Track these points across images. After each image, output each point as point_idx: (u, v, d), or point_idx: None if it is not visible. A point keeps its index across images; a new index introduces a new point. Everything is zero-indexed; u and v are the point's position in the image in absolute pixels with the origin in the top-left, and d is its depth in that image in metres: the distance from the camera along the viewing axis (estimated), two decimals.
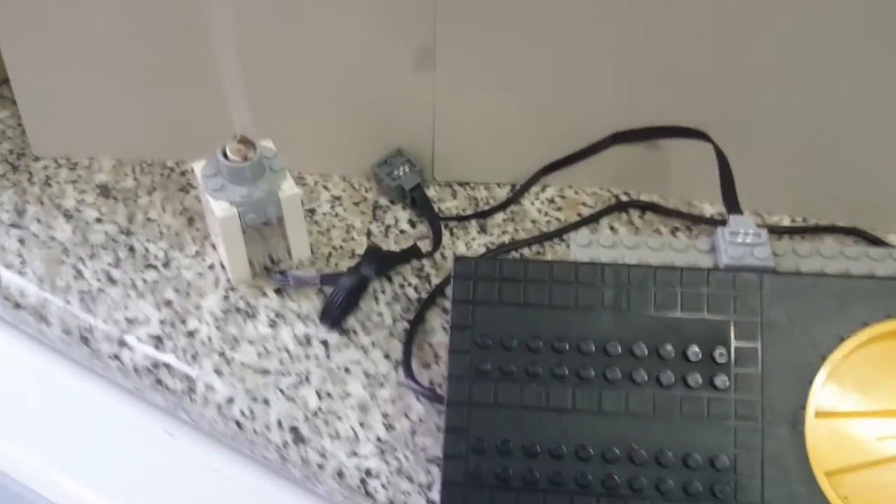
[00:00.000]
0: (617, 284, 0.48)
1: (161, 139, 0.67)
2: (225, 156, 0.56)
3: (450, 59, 0.60)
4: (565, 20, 0.57)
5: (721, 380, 0.47)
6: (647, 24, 0.57)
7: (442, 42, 0.59)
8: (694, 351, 0.47)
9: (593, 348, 0.47)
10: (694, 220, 0.64)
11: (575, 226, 0.63)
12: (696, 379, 0.47)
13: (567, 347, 0.47)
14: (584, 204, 0.66)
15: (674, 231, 0.64)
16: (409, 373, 0.55)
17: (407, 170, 0.65)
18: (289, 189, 0.58)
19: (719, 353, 0.47)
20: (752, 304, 0.47)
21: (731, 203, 0.54)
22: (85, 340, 0.59)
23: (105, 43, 0.62)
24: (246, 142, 0.56)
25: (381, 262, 0.57)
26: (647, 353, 0.47)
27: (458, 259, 0.48)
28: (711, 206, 0.65)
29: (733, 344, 0.47)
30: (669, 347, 0.47)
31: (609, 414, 0.46)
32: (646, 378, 0.47)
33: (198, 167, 0.58)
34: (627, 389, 0.47)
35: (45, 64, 0.63)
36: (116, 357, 0.58)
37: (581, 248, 0.51)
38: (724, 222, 0.62)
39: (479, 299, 0.48)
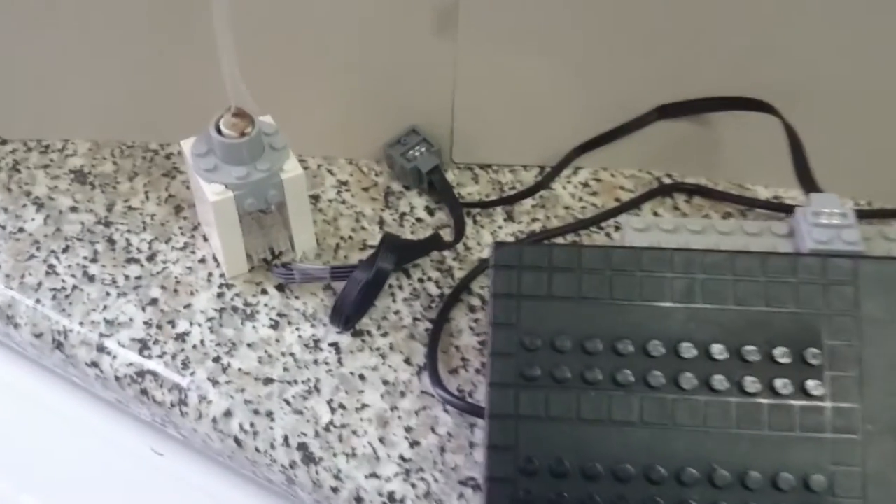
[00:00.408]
0: (689, 274, 0.40)
1: (143, 119, 0.60)
2: (219, 131, 0.49)
3: (475, 21, 0.52)
4: None
5: (814, 385, 0.39)
6: None
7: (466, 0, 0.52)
8: (782, 352, 0.40)
9: (663, 350, 0.40)
10: (748, 205, 0.56)
11: (614, 212, 0.56)
12: (784, 385, 0.39)
13: (631, 349, 0.40)
14: (622, 188, 0.58)
15: (726, 217, 0.57)
16: (437, 380, 0.47)
17: (423, 150, 0.57)
18: (292, 169, 0.50)
19: (811, 354, 0.40)
20: (847, 294, 0.40)
21: (808, 180, 0.47)
22: (58, 345, 0.51)
23: (79, 11, 0.54)
24: (242, 115, 0.49)
25: (399, 254, 0.49)
26: (727, 355, 0.40)
27: (500, 245, 0.41)
28: (766, 189, 0.58)
29: (826, 343, 0.40)
30: (753, 348, 0.40)
31: (683, 428, 0.39)
32: (726, 385, 0.39)
33: (186, 145, 0.51)
34: (704, 398, 0.39)
35: (13, 36, 0.56)
36: (95, 364, 0.50)
37: (637, 232, 0.43)
38: (781, 206, 0.56)
39: (525, 293, 0.40)
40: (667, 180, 0.59)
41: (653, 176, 0.59)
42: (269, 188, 0.50)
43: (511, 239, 0.56)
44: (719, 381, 0.39)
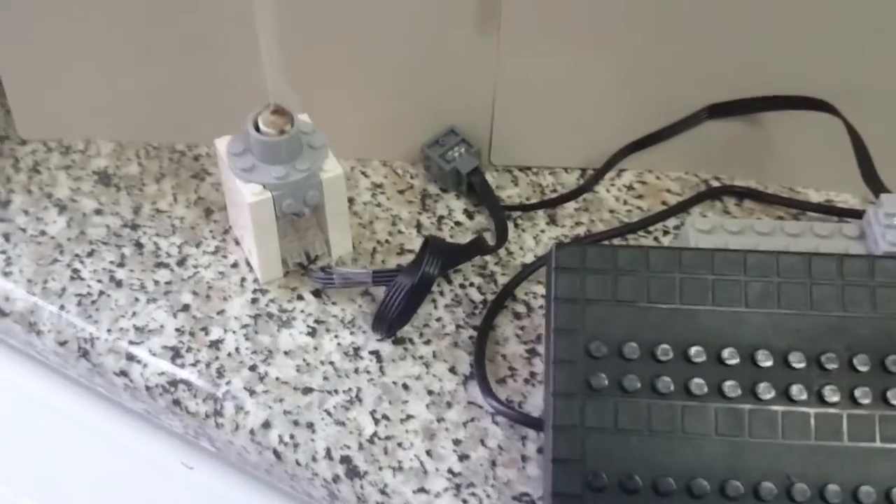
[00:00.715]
0: (764, 277, 0.38)
1: (169, 119, 0.57)
2: (257, 129, 0.46)
3: (518, 16, 0.50)
4: None
5: (895, 394, 0.37)
6: None
7: None
8: (862, 359, 0.37)
9: (738, 358, 0.37)
10: (802, 208, 0.54)
11: (663, 215, 0.54)
12: (865, 394, 0.37)
13: (704, 357, 0.37)
14: (668, 191, 0.56)
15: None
16: (488, 389, 0.45)
17: (463, 151, 0.55)
18: (332, 169, 0.48)
19: (892, 361, 0.37)
20: None
21: (875, 182, 0.45)
22: (84, 354, 0.49)
23: (101, 5, 0.52)
24: (282, 112, 0.47)
25: (445, 258, 0.47)
26: (805, 363, 0.37)
27: (561, 246, 0.39)
28: (817, 193, 0.56)
29: None
30: (832, 355, 0.37)
31: (759, 440, 0.37)
32: (805, 395, 0.37)
33: (221, 144, 0.48)
34: (782, 409, 0.37)
35: (34, 31, 0.53)
36: (124, 373, 0.48)
37: (702, 234, 0.41)
38: (835, 210, 0.54)
39: (590, 297, 0.38)
40: (714, 183, 0.56)
41: (699, 178, 0.57)
42: (309, 189, 0.47)
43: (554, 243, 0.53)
44: (798, 390, 0.37)
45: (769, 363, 0.37)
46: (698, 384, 0.37)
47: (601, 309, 0.38)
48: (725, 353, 0.37)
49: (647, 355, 0.37)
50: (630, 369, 0.37)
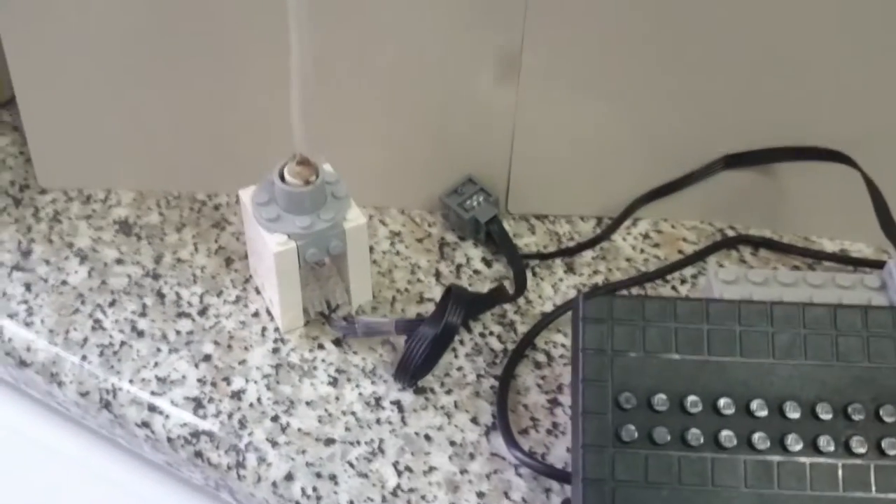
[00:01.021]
0: (790, 328, 0.38)
1: (189, 169, 0.58)
2: (282, 179, 0.47)
3: (537, 66, 0.51)
4: (675, 21, 0.49)
5: None
6: (767, 25, 0.48)
7: (530, 45, 0.50)
8: (888, 410, 0.38)
9: (767, 410, 0.37)
10: (817, 258, 0.55)
11: (680, 264, 0.54)
12: (892, 444, 0.37)
13: (733, 409, 0.37)
14: (684, 240, 0.57)
15: (794, 271, 0.55)
16: (512, 440, 0.45)
17: (481, 200, 0.56)
18: (355, 218, 0.48)
19: None
20: None
21: (893, 232, 0.45)
22: (106, 405, 0.49)
23: (125, 58, 0.53)
24: (307, 163, 0.47)
25: (468, 308, 0.47)
26: (832, 414, 0.37)
27: (589, 296, 0.39)
28: (831, 242, 0.56)
29: None
30: (858, 406, 0.38)
31: (789, 492, 0.37)
32: (833, 446, 0.37)
33: (246, 194, 0.49)
34: (810, 460, 0.37)
35: (57, 83, 0.54)
36: (146, 425, 0.48)
37: (726, 285, 0.42)
38: (851, 259, 0.54)
39: (618, 348, 0.38)
40: (730, 232, 0.57)
41: (715, 228, 0.57)
42: (332, 238, 0.48)
43: (573, 291, 0.54)
44: (825, 441, 0.37)
45: (797, 415, 0.38)
46: (728, 436, 0.37)
47: (629, 360, 0.38)
48: (754, 404, 0.37)
49: (677, 407, 0.37)
50: (660, 421, 0.37)
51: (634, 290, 0.54)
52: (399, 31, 0.50)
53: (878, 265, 0.52)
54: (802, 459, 0.37)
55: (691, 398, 0.37)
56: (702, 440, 0.37)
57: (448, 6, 0.49)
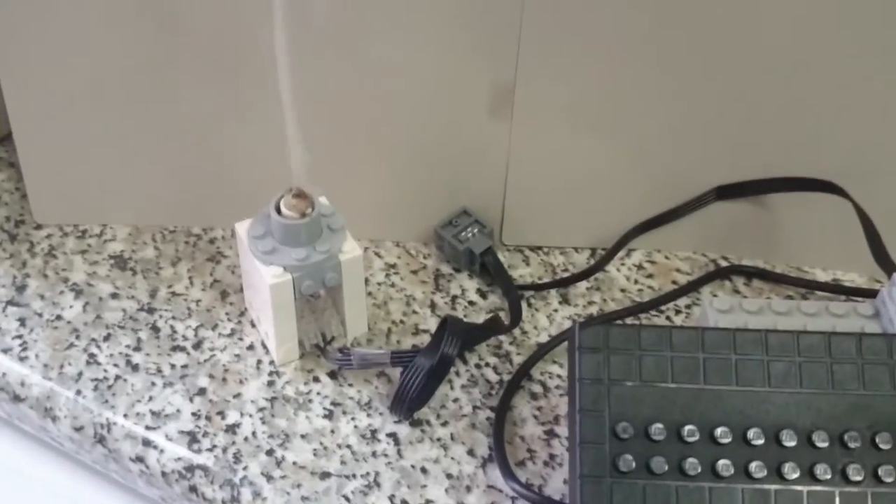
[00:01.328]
0: (785, 356, 0.38)
1: (184, 203, 0.58)
2: (278, 212, 0.47)
3: (531, 100, 0.52)
4: (668, 54, 0.50)
5: None
6: (758, 57, 0.49)
7: (523, 79, 0.51)
8: (884, 437, 0.38)
9: (763, 439, 0.37)
10: (809, 288, 0.55)
11: (674, 295, 0.54)
12: (888, 472, 0.37)
13: (730, 438, 0.37)
14: (678, 270, 0.57)
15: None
16: (509, 472, 0.45)
17: (476, 231, 0.56)
18: (351, 250, 0.49)
19: None
20: None
21: (886, 261, 0.46)
22: (101, 440, 0.49)
23: (121, 94, 0.53)
24: (303, 195, 0.47)
25: (464, 339, 0.47)
26: (828, 442, 0.38)
27: (584, 325, 0.39)
28: (824, 272, 0.57)
29: None
30: (855, 434, 0.38)
31: None
32: (829, 474, 0.37)
33: (242, 227, 0.49)
34: (807, 489, 0.37)
35: (53, 118, 0.54)
36: (140, 459, 0.48)
37: (721, 314, 0.42)
38: (843, 289, 0.54)
39: (614, 377, 0.38)
40: (723, 263, 0.57)
41: (708, 258, 0.58)
42: (328, 270, 0.48)
43: (567, 322, 0.54)
44: (822, 469, 0.37)
45: (793, 443, 0.38)
46: (725, 465, 0.37)
47: (626, 389, 0.38)
48: (751, 433, 0.37)
49: (674, 436, 0.37)
50: (657, 451, 0.37)
51: (629, 321, 0.54)
52: (394, 64, 0.51)
53: (871, 294, 0.53)
54: (799, 488, 0.37)
55: (688, 427, 0.37)
56: (699, 469, 0.37)
57: (442, 40, 0.50)
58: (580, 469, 0.37)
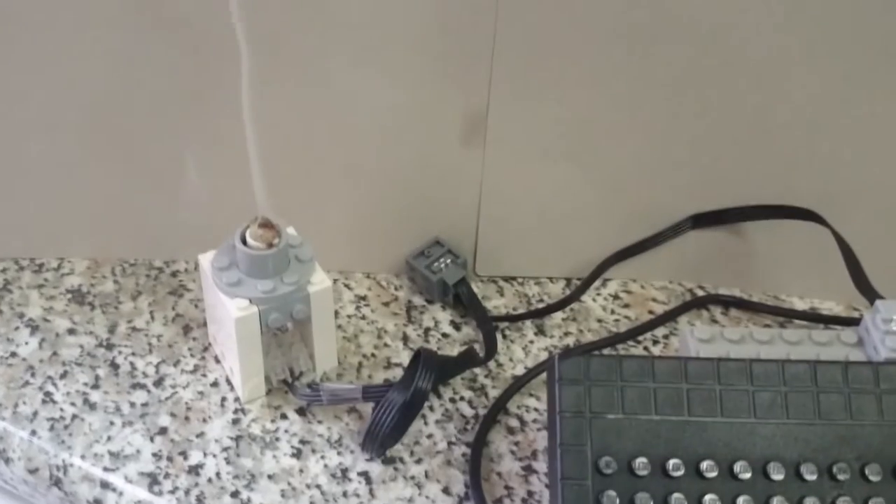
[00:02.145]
0: (770, 386, 0.37)
1: (145, 235, 0.56)
2: (244, 242, 0.45)
3: (504, 128, 0.51)
4: (641, 82, 0.49)
5: None
6: (732, 85, 0.49)
7: (496, 107, 0.50)
8: (874, 468, 0.37)
9: (750, 472, 0.36)
10: (788, 316, 0.54)
11: (651, 325, 0.53)
12: None
13: (717, 472, 0.36)
14: (654, 300, 0.56)
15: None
16: None
17: (449, 262, 0.54)
18: (320, 282, 0.47)
19: None
20: None
21: (867, 289, 0.45)
22: (57, 482, 0.46)
23: (78, 123, 0.51)
24: (269, 225, 0.46)
25: (438, 372, 0.46)
26: (817, 475, 0.36)
27: (564, 356, 0.38)
28: (801, 300, 0.56)
29: None
30: (843, 465, 0.36)
31: None
32: None
33: (205, 259, 0.47)
34: None
35: (7, 151, 0.52)
36: (98, 502, 0.45)
37: (702, 343, 0.41)
38: (821, 317, 0.54)
39: (595, 410, 0.37)
40: (699, 292, 0.56)
41: (684, 287, 0.57)
42: (296, 302, 0.46)
43: (544, 354, 0.52)
44: (812, 503, 0.36)
45: (781, 476, 0.36)
46: (712, 500, 0.36)
47: (608, 422, 0.37)
48: (737, 466, 0.36)
49: (659, 471, 0.36)
50: (642, 486, 0.36)
51: (607, 351, 0.53)
52: (364, 92, 0.50)
53: (850, 322, 0.52)
54: None
55: (673, 461, 0.36)
56: None
57: (414, 67, 0.49)
58: None
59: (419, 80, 0.49)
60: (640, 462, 0.36)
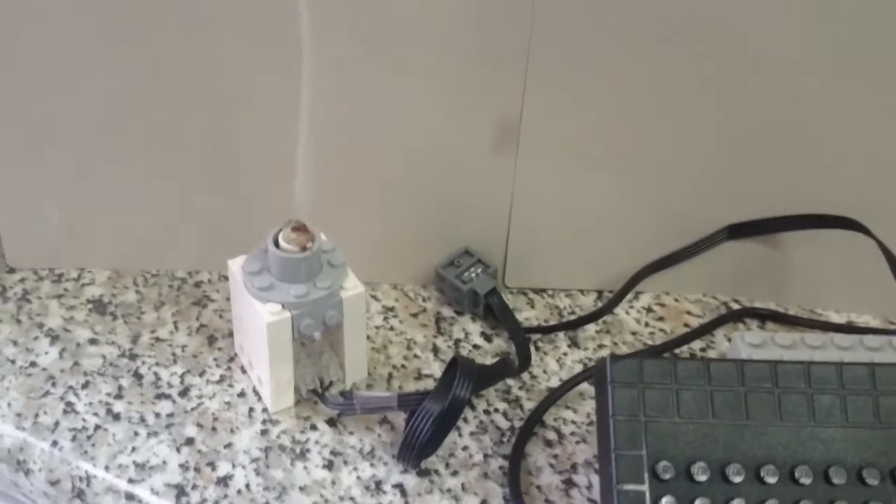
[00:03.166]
0: (828, 389, 0.36)
1: (168, 246, 0.55)
2: (277, 245, 0.44)
3: (537, 136, 0.50)
4: (677, 90, 0.48)
5: None
6: (770, 93, 0.48)
7: (529, 114, 0.49)
8: None
9: (812, 477, 0.35)
10: (825, 330, 0.53)
11: (687, 338, 0.52)
12: None
13: (777, 477, 0.35)
14: (688, 313, 0.55)
15: None
16: None
17: (479, 272, 0.53)
18: (353, 287, 0.46)
19: None
20: None
21: None
22: (79, 494, 0.44)
23: (101, 130, 0.50)
24: (303, 229, 0.45)
25: (475, 381, 0.44)
26: (879, 479, 0.35)
27: (616, 358, 0.37)
28: (837, 314, 0.55)
29: None
30: None
31: None
32: None
33: (235, 264, 0.46)
34: None
35: (29, 160, 0.51)
36: None
37: (753, 348, 0.40)
38: (858, 331, 0.53)
39: (651, 414, 0.36)
40: (734, 305, 0.55)
41: (719, 301, 0.56)
42: (329, 308, 0.45)
43: (579, 366, 0.51)
44: None
45: (843, 480, 0.35)
46: None
47: (664, 426, 0.35)
48: (798, 471, 0.35)
49: (718, 476, 0.35)
50: (701, 492, 0.34)
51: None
52: (396, 98, 0.49)
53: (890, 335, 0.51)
54: None
55: (733, 466, 0.35)
56: None
57: (447, 72, 0.48)
58: None
59: (452, 85, 0.49)
60: (699, 467, 0.35)
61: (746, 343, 0.40)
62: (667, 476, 0.35)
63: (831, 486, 0.35)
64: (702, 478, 0.35)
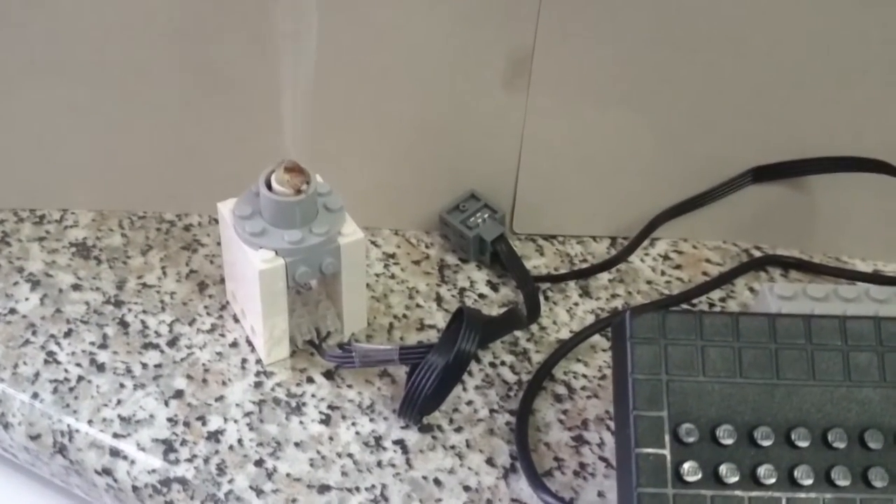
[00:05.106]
0: (866, 346, 0.33)
1: (156, 187, 0.52)
2: (269, 188, 0.41)
3: (550, 70, 0.46)
4: (701, 22, 0.45)
5: None
6: (798, 27, 0.44)
7: (542, 46, 0.46)
8: None
9: (846, 441, 0.32)
10: (852, 279, 0.50)
11: (706, 287, 0.49)
12: None
13: (809, 441, 0.32)
14: (707, 260, 0.52)
15: None
16: (538, 482, 0.39)
17: (486, 217, 0.50)
18: (351, 233, 0.43)
19: None
20: None
21: None
22: (61, 449, 0.42)
23: (85, 62, 0.47)
24: (297, 170, 0.41)
25: (482, 333, 0.41)
26: None
27: (636, 311, 0.34)
28: (863, 263, 0.52)
29: None
30: None
31: None
32: None
33: (225, 207, 0.43)
34: None
35: (9, 94, 0.48)
36: (107, 472, 0.41)
37: (784, 300, 0.37)
38: (888, 280, 0.50)
39: (673, 372, 0.33)
40: (755, 252, 0.52)
41: (740, 248, 0.53)
42: (325, 255, 0.42)
43: (591, 317, 0.48)
44: None
45: (880, 445, 0.32)
46: (805, 472, 0.32)
47: (688, 385, 0.33)
48: (832, 434, 0.32)
49: (745, 439, 0.32)
50: (726, 456, 0.32)
51: None
52: (397, 28, 0.45)
53: None
54: (889, 496, 0.32)
55: (762, 429, 0.32)
56: (775, 478, 0.32)
57: (453, 1, 0.44)
58: (637, 479, 0.32)
59: (459, 16, 0.45)
60: (725, 430, 0.32)
61: (776, 295, 0.37)
62: (690, 439, 0.32)
63: (867, 451, 0.32)
64: (728, 441, 0.32)
